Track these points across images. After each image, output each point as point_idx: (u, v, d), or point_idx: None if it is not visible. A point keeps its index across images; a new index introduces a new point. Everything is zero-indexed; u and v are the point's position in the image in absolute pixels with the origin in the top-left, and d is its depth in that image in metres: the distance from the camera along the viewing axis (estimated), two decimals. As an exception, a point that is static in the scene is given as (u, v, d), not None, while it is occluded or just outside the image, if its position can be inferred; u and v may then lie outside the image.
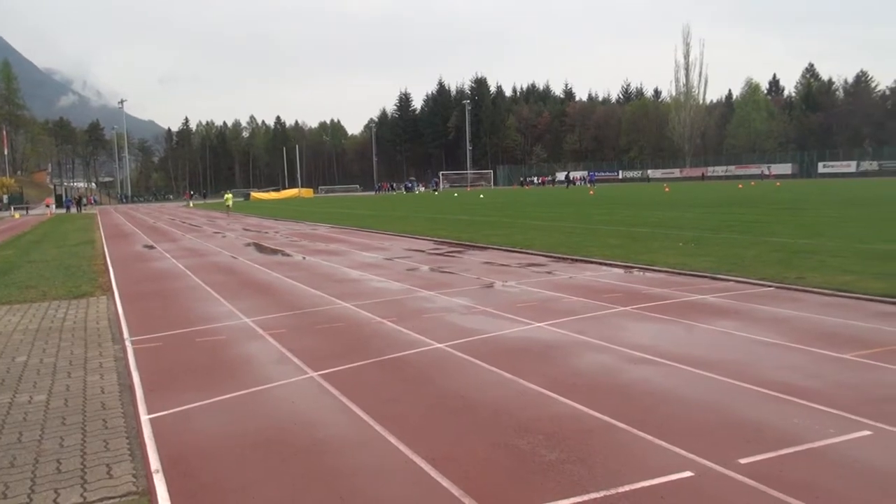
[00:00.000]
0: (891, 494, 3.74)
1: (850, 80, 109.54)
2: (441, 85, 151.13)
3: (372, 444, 4.74)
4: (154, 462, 4.58)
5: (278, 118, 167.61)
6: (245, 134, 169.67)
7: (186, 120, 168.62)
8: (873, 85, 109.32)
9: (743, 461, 4.17)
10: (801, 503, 3.64)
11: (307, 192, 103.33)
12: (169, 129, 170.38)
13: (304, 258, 16.95)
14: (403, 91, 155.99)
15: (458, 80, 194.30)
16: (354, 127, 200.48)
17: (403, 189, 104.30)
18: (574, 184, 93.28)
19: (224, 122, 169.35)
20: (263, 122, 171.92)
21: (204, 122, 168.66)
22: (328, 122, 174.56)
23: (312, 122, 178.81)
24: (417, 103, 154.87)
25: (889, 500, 3.67)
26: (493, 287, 11.31)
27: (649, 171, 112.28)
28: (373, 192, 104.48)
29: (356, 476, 4.25)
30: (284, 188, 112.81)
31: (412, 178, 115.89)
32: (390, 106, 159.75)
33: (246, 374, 6.62)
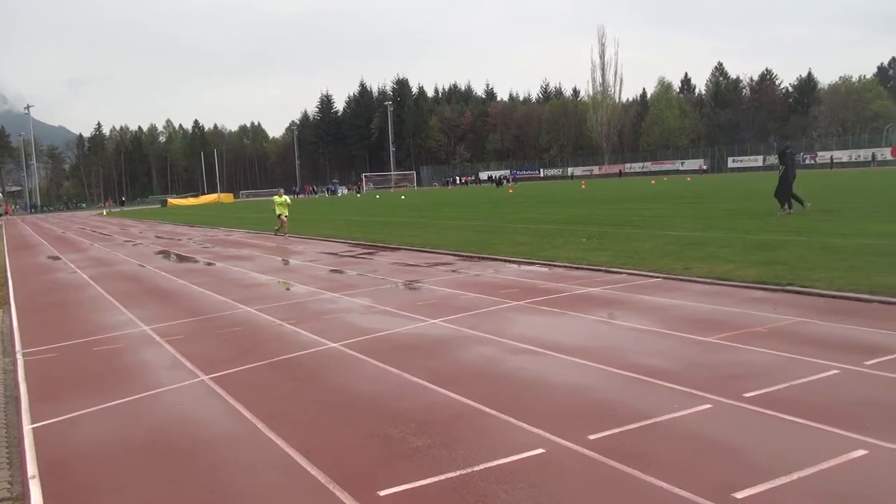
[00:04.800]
0: (710, 458, 4.16)
1: (756, 77, 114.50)
2: (363, 86, 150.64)
3: (251, 441, 4.93)
4: (31, 468, 4.65)
5: (196, 122, 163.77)
6: (162, 139, 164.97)
7: (99, 125, 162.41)
8: (777, 82, 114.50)
9: (592, 437, 4.55)
10: (633, 470, 4.02)
11: (227, 197, 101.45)
12: (80, 135, 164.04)
13: (214, 264, 16.84)
14: (325, 93, 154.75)
15: (380, 81, 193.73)
16: (276, 129, 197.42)
17: (326, 192, 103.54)
18: (507, 182, 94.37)
19: (139, 127, 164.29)
20: (181, 125, 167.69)
21: (118, 127, 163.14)
22: (248, 125, 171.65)
23: (232, 126, 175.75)
24: (339, 105, 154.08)
25: (709, 463, 4.08)
26: (396, 287, 11.57)
27: (570, 169, 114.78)
28: (295, 196, 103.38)
29: (230, 471, 4.43)
30: (204, 193, 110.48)
31: (335, 181, 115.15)
32: (312, 108, 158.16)
33: (137, 381, 6.69)
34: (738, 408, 4.97)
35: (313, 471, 4.29)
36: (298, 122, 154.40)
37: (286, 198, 24.70)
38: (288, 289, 12.20)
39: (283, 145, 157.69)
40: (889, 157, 78.50)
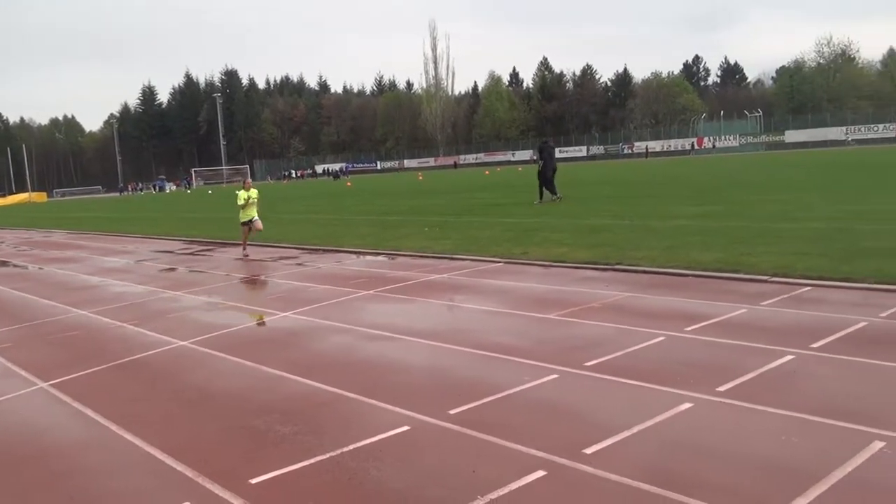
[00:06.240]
0: (560, 421, 4.55)
1: (578, 72, 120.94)
2: (188, 77, 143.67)
3: (107, 444, 4.75)
4: None
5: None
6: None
7: None
8: (597, 77, 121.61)
9: (452, 412, 4.80)
10: (492, 437, 4.31)
11: (39, 196, 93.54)
12: None
13: (34, 267, 15.63)
14: (147, 84, 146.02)
15: (207, 72, 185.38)
16: (93, 123, 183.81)
17: (153, 188, 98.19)
18: (344, 175, 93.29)
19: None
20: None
21: None
22: (61, 118, 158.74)
23: (42, 119, 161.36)
24: (164, 97, 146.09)
25: (560, 425, 4.46)
26: (242, 282, 11.35)
27: (406, 161, 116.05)
28: (118, 193, 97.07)
29: (88, 476, 4.27)
30: (12, 193, 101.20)
31: (162, 177, 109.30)
32: (133, 100, 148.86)
33: (-36, 394, 6.18)
34: (581, 375, 5.42)
35: (180, 468, 4.23)
36: (118, 114, 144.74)
37: (256, 192, 15.52)
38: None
39: (102, 140, 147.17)
40: (696, 146, 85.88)
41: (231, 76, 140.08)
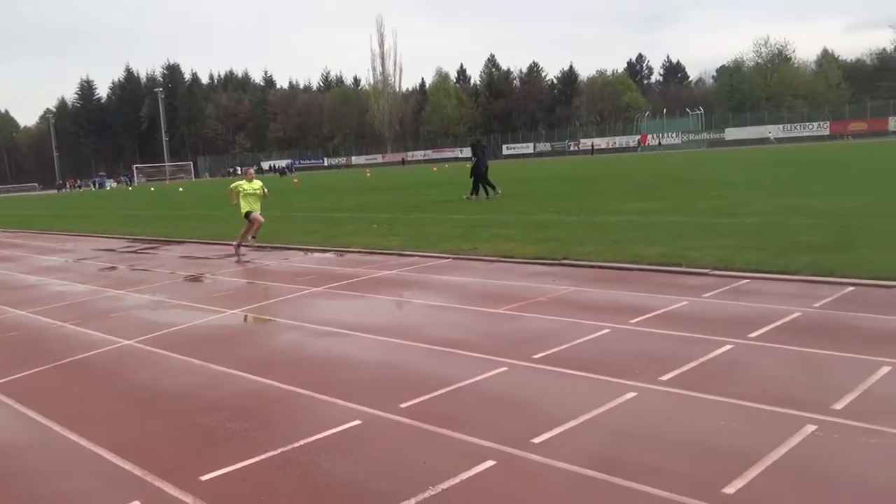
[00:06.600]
0: (510, 413, 4.63)
1: (525, 70, 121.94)
2: (129, 71, 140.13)
3: (51, 445, 4.66)
4: None
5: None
6: None
7: None
8: (544, 74, 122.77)
9: (403, 405, 4.84)
10: (444, 430, 4.38)
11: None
12: None
13: (-31, 267, 15.11)
14: (85, 78, 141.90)
15: (149, 66, 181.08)
16: (28, 118, 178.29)
17: (93, 185, 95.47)
18: (290, 171, 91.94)
19: None
20: None
21: None
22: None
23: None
24: (103, 91, 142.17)
25: (510, 417, 4.54)
26: (188, 280, 11.19)
27: (353, 158, 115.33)
28: (56, 191, 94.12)
29: (33, 477, 4.19)
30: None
31: (102, 173, 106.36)
32: (70, 94, 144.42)
33: None
34: (530, 368, 5.53)
35: (128, 466, 4.18)
36: (55, 109, 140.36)
37: (260, 182, 14.09)
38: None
39: (38, 135, 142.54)
40: (641, 144, 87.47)
41: (173, 70, 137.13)
